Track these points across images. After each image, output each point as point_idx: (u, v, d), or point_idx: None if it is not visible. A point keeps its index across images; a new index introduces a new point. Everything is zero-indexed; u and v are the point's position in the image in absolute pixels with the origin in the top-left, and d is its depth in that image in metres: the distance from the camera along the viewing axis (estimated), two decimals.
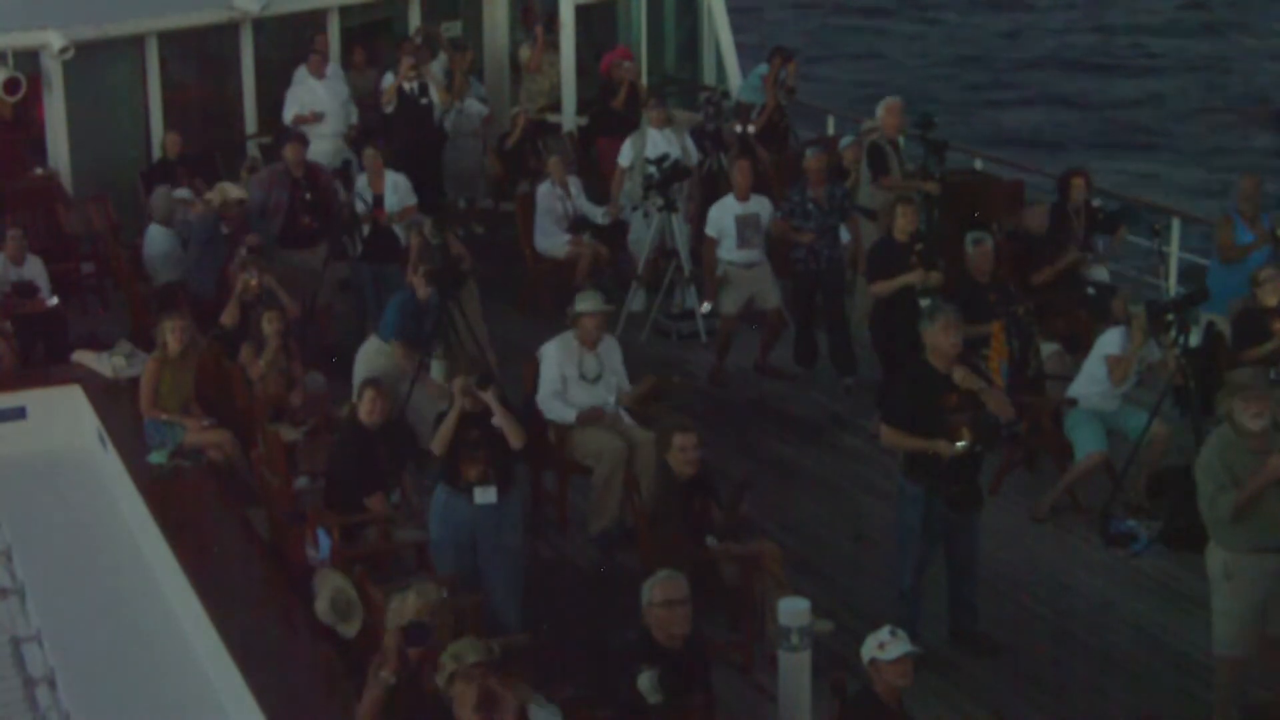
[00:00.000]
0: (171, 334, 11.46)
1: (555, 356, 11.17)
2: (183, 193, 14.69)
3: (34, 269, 13.74)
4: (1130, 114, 32.82)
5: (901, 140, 14.34)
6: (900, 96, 14.52)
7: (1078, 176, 14.06)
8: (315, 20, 17.05)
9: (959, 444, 9.31)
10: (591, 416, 11.05)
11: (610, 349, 11.33)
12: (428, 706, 7.65)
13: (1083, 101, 33.61)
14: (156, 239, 14.19)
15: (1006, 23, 40.21)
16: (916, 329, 9.73)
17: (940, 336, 9.44)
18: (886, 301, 12.49)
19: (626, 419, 11.17)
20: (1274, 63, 35.70)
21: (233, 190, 13.93)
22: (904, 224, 12.52)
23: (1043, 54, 37.22)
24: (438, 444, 9.81)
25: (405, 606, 7.94)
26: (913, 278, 12.29)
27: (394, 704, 7.77)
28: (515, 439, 9.84)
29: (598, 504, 10.89)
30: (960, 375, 9.41)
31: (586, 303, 11.18)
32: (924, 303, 11.23)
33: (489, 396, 9.75)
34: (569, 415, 11.07)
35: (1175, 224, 14.70)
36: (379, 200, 14.10)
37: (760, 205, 13.75)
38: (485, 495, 9.75)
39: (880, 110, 14.34)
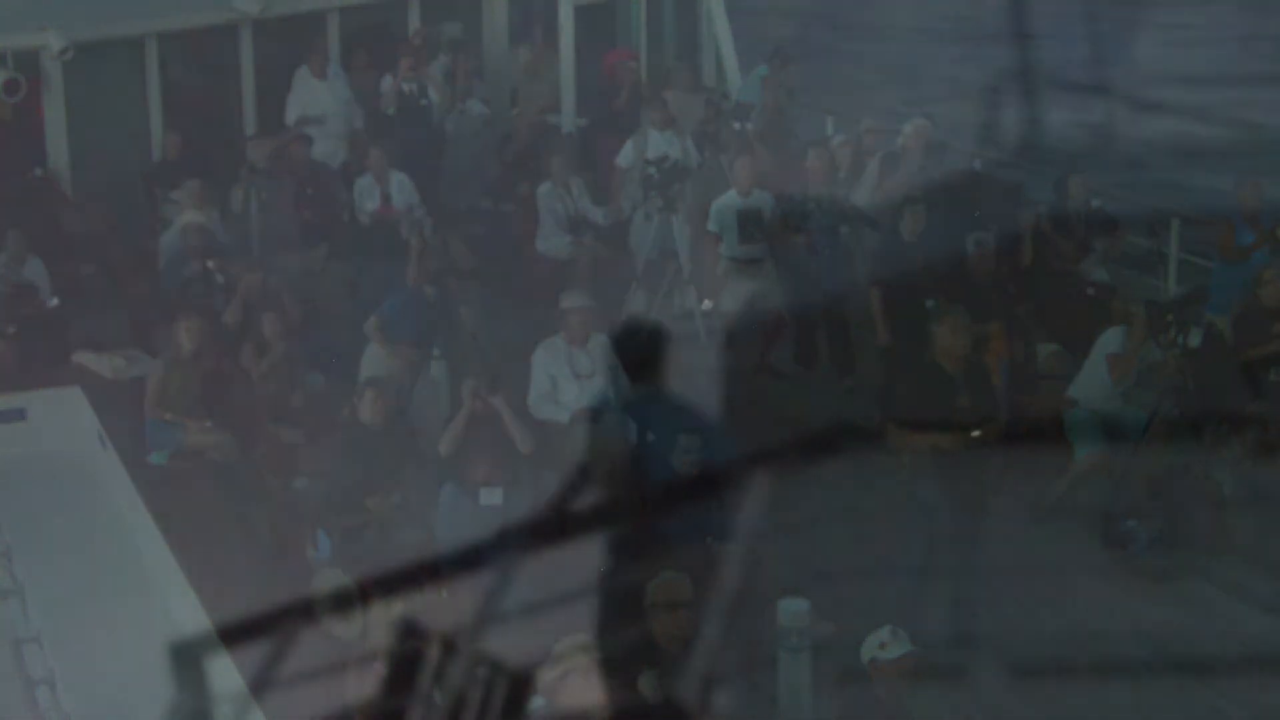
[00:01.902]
0: (186, 334, 11.44)
1: (542, 360, 11.26)
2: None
3: (34, 269, 13.74)
4: None
5: None
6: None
7: (1076, 176, 14.06)
8: (315, 21, 17.04)
9: (973, 433, 9.34)
10: (586, 416, 11.06)
11: (602, 345, 11.34)
12: (425, 698, 7.73)
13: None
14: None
15: None
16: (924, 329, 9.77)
17: (948, 338, 9.45)
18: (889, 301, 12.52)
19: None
20: None
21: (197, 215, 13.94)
22: (912, 224, 12.52)
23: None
24: (445, 445, 9.82)
25: (391, 611, 7.97)
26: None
27: (391, 696, 7.79)
28: (524, 444, 9.85)
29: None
30: None
31: (571, 300, 11.24)
32: (930, 303, 11.24)
33: (499, 401, 9.77)
34: (563, 416, 11.08)
35: (1175, 224, 14.69)
36: (386, 200, 14.11)
37: (762, 200, 13.74)
38: (491, 497, 9.76)
39: (909, 128, 14.40)
